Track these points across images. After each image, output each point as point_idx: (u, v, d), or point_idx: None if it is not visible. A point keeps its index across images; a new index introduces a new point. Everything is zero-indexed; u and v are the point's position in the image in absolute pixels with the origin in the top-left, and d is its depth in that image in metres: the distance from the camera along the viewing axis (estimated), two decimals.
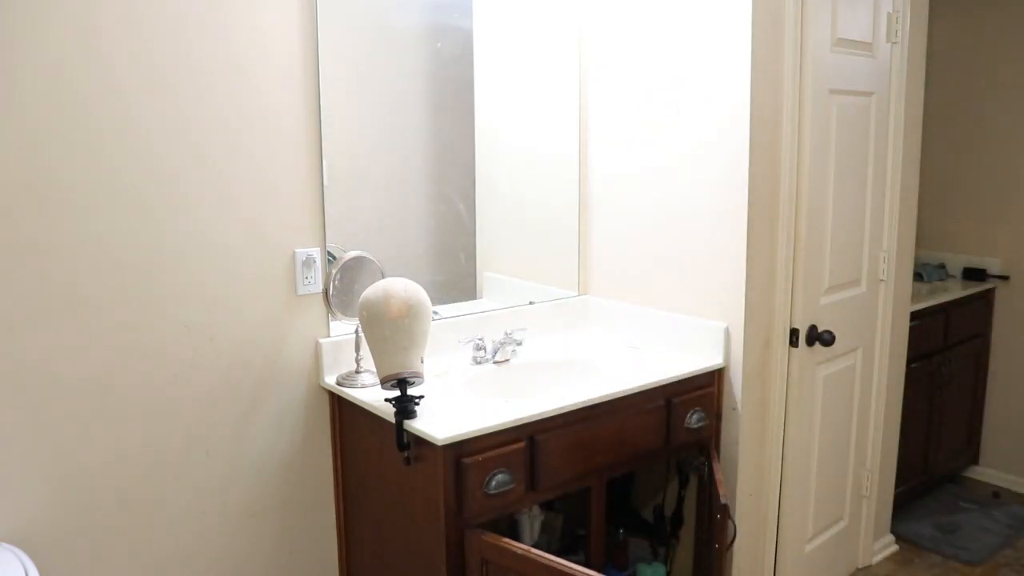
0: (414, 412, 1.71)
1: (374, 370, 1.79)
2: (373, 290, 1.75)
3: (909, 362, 2.80)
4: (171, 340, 1.77)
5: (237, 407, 1.89)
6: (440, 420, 1.69)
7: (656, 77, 2.24)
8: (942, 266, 3.50)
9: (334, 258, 1.98)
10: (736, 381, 2.16)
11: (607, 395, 1.89)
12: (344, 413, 2.01)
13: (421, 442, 1.68)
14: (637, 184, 2.34)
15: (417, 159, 2.24)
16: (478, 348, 2.14)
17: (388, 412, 1.73)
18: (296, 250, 1.94)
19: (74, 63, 1.59)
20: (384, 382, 1.72)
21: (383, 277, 1.95)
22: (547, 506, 2.19)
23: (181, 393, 1.80)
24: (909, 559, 2.83)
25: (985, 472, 3.48)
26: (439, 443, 1.61)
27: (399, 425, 1.69)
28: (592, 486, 1.92)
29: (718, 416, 2.19)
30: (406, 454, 1.71)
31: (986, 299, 3.39)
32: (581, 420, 1.84)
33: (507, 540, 1.63)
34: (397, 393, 1.70)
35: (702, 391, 2.12)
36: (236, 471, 1.90)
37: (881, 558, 2.81)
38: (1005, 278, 3.37)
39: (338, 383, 1.95)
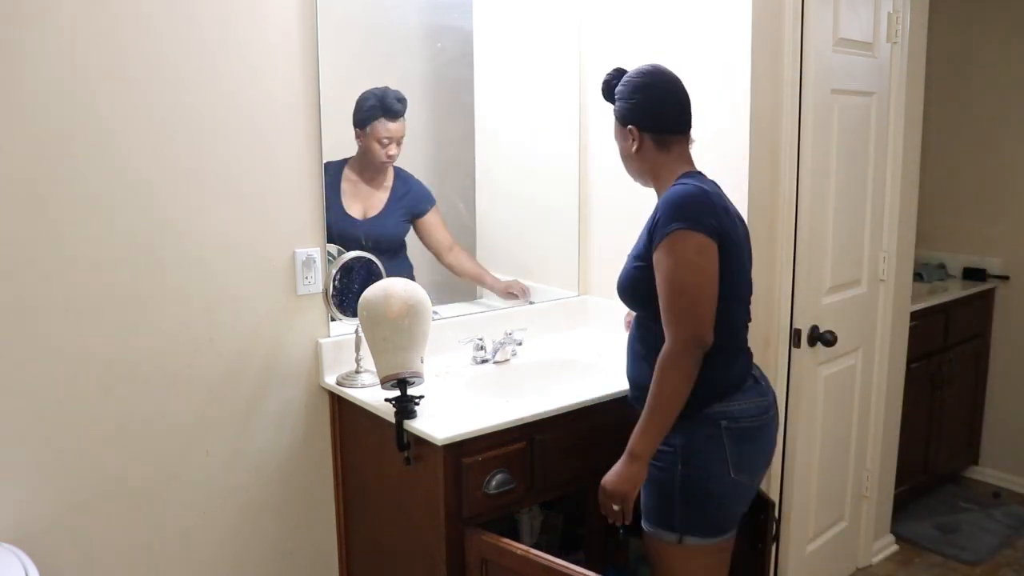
0: (414, 412, 1.71)
1: (374, 370, 1.79)
2: (373, 290, 1.75)
3: (909, 362, 2.80)
4: (171, 340, 1.77)
5: (237, 407, 1.89)
6: (440, 420, 1.69)
7: None
8: (942, 266, 3.50)
9: (334, 258, 1.98)
10: None
11: (607, 395, 1.89)
12: (344, 413, 2.01)
13: (421, 442, 1.68)
14: (637, 183, 2.34)
15: (417, 159, 2.24)
16: (478, 348, 2.14)
17: (388, 412, 1.73)
18: (296, 250, 1.93)
19: (74, 64, 1.59)
20: (384, 382, 1.72)
21: (383, 277, 1.95)
22: (547, 506, 2.19)
23: (181, 393, 1.80)
24: (909, 559, 2.83)
25: (985, 472, 3.48)
26: (439, 443, 1.61)
27: (399, 425, 1.69)
28: (592, 486, 1.92)
29: None
30: (406, 454, 1.71)
31: (986, 299, 3.38)
32: (581, 420, 1.84)
33: (507, 540, 1.63)
34: (397, 393, 1.70)
35: None
36: (236, 471, 1.90)
37: (881, 558, 2.81)
38: (1005, 278, 3.37)
39: (338, 383, 1.95)
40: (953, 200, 3.51)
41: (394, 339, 1.70)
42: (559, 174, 2.49)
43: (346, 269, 1.95)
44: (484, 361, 2.14)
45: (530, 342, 2.29)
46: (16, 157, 1.54)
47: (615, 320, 2.46)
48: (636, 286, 1.63)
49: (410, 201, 2.22)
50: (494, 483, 1.69)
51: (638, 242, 1.64)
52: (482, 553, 1.65)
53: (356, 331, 1.96)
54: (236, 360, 1.87)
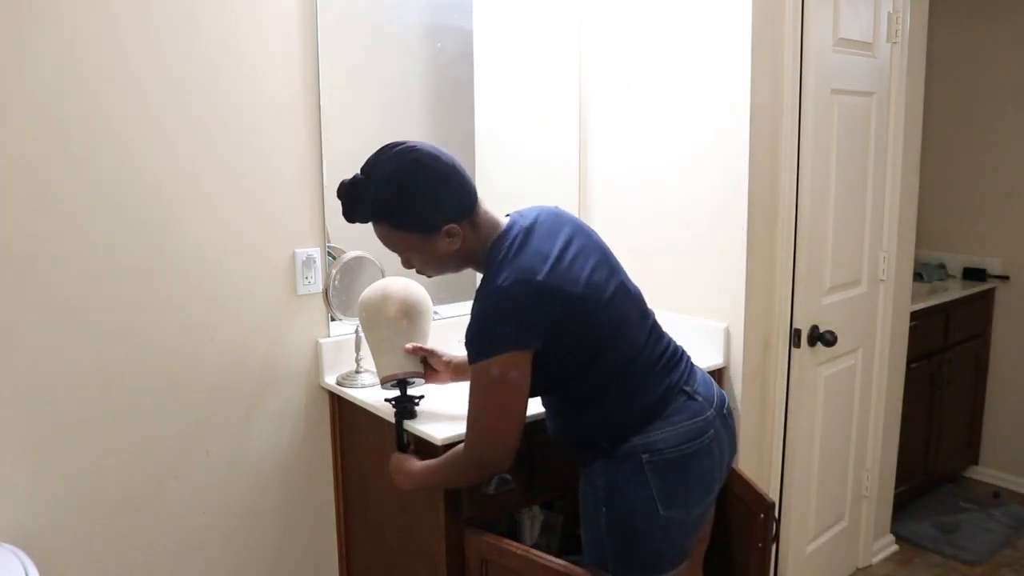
0: (414, 412, 1.71)
1: (374, 370, 1.79)
2: (372, 290, 1.75)
3: (909, 362, 2.80)
4: (171, 340, 1.77)
5: (237, 407, 1.89)
6: (440, 420, 1.69)
7: (656, 76, 2.24)
8: (942, 266, 3.50)
9: (334, 258, 1.98)
10: (736, 381, 2.15)
11: None
12: (344, 413, 2.01)
13: (421, 442, 1.68)
14: (637, 183, 2.34)
15: None
16: None
17: (388, 412, 1.73)
18: (296, 250, 1.93)
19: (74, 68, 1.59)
20: (384, 382, 1.72)
21: (383, 277, 1.95)
22: (547, 506, 2.19)
23: (181, 393, 1.80)
24: (909, 559, 2.83)
25: (985, 472, 3.48)
26: (439, 443, 1.61)
27: (399, 425, 1.69)
28: None
29: None
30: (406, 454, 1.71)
31: (986, 299, 3.38)
32: None
33: (507, 540, 1.63)
34: (397, 393, 1.70)
35: None
36: (236, 471, 1.90)
37: (881, 558, 2.81)
38: (1005, 278, 3.37)
39: (338, 383, 1.95)
40: (953, 200, 3.51)
41: (394, 339, 1.70)
42: (559, 173, 2.49)
43: (346, 269, 1.94)
44: None
45: None
46: (15, 157, 1.54)
47: None
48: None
49: None
50: (494, 483, 1.69)
51: None
52: (482, 553, 1.64)
53: (356, 331, 1.96)
54: (236, 360, 1.87)
